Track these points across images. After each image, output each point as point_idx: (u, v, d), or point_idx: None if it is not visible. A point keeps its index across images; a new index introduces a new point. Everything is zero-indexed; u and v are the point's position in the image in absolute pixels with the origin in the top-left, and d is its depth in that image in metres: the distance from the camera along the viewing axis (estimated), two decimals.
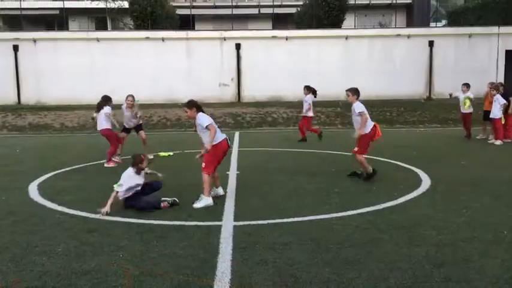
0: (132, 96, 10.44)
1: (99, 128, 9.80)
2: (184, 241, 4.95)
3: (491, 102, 12.65)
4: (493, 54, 24.27)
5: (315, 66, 23.65)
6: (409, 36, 24.45)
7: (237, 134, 15.16)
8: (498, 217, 5.65)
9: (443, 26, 31.82)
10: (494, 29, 24.35)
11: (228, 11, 32.35)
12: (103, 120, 9.71)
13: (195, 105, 6.49)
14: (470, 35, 24.35)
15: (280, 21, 32.23)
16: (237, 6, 33.05)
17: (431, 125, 16.95)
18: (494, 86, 12.50)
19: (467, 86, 13.13)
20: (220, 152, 6.51)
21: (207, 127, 6.29)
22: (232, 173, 8.62)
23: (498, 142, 11.87)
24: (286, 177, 8.25)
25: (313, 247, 4.73)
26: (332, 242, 4.87)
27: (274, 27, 30.72)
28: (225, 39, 23.98)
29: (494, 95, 12.13)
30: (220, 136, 6.47)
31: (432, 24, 33.01)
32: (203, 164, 6.44)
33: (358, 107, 7.65)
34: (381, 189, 7.21)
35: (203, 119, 6.37)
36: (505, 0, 26.05)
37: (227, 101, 23.26)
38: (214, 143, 6.34)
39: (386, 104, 21.19)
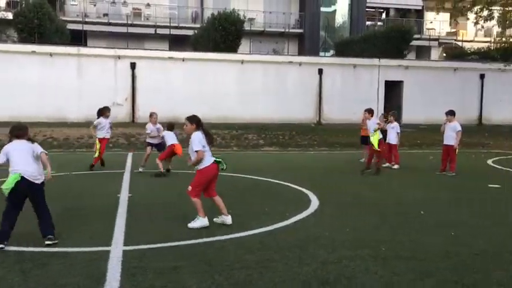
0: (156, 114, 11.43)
1: None
2: (68, 269, 4.63)
3: (367, 129, 13.66)
4: (374, 84, 26.45)
5: (211, 89, 23.92)
6: (300, 64, 25.78)
7: (129, 155, 14.66)
8: (380, 236, 6.05)
9: (331, 55, 34.05)
10: (375, 61, 26.61)
11: (123, 29, 31.63)
12: None
13: (196, 122, 6.28)
14: (354, 66, 26.34)
15: (177, 42, 32.21)
16: (132, 25, 32.46)
17: (321, 148, 17.85)
18: (392, 114, 13.31)
19: (369, 111, 12.07)
20: (209, 177, 6.23)
21: (196, 151, 6.12)
22: (124, 196, 8.31)
23: (396, 166, 12.61)
24: (180, 199, 8.12)
25: (205, 270, 4.69)
26: (224, 264, 4.87)
27: (170, 48, 30.60)
28: (119, 58, 23.36)
29: (391, 122, 12.87)
30: (209, 161, 6.20)
31: (321, 53, 35.18)
32: (189, 188, 6.22)
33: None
34: (274, 210, 7.40)
35: (194, 142, 6.13)
36: (384, 36, 28.68)
37: (121, 121, 22.51)
38: (202, 166, 6.15)
39: (280, 127, 21.98)
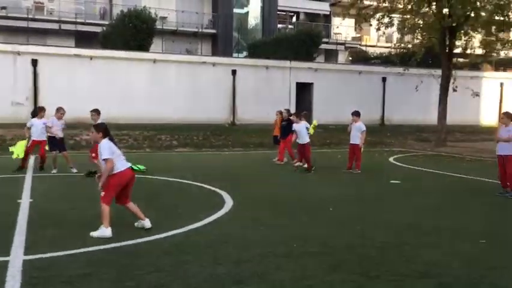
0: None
1: None
2: None
3: (280, 128, 13.99)
4: (286, 85, 27.13)
5: (122, 88, 23.13)
6: (214, 64, 25.76)
7: (32, 157, 13.74)
8: (291, 233, 6.20)
9: (245, 57, 34.43)
10: (287, 63, 27.31)
11: (23, 24, 29.58)
12: None
13: (103, 130, 6.03)
14: (267, 67, 26.83)
15: (84, 39, 30.74)
16: (34, 20, 30.45)
17: (235, 149, 17.96)
18: (303, 114, 13.50)
19: (297, 115, 12.79)
20: (122, 182, 5.98)
21: (104, 159, 5.85)
22: (25, 201, 7.75)
23: (306, 165, 12.89)
24: (87, 203, 7.74)
25: (116, 276, 4.50)
26: (136, 268, 4.71)
27: (77, 45, 29.15)
28: (19, 54, 21.81)
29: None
30: (123, 165, 5.99)
31: (235, 54, 35.44)
32: (102, 194, 5.88)
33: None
34: (187, 211, 7.31)
35: (104, 150, 5.86)
36: (295, 39, 29.53)
37: (22, 121, 20.97)
38: (116, 171, 5.88)
39: (193, 128, 21.79)
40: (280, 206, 7.86)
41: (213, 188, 9.30)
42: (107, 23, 30.19)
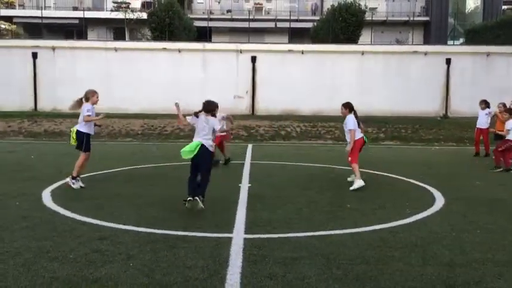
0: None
1: None
2: (194, 252, 4.94)
3: (503, 123, 12.36)
4: (511, 73, 24.05)
5: (330, 81, 23.70)
6: (426, 54, 24.39)
7: (249, 146, 15.14)
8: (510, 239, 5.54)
9: (461, 44, 31.68)
10: None
11: (244, 24, 32.68)
12: None
13: (349, 107, 8.61)
14: (488, 54, 24.21)
15: (296, 35, 32.42)
16: (253, 20, 33.35)
17: (447, 144, 16.76)
18: None
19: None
20: (360, 145, 8.54)
21: (349, 130, 8.39)
22: (244, 186, 8.61)
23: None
24: (298, 191, 8.22)
25: (324, 263, 4.68)
26: (343, 258, 4.82)
27: (290, 41, 30.90)
28: (241, 52, 24.17)
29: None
30: (359, 135, 8.50)
31: (449, 42, 32.90)
32: (349, 158, 8.39)
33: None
34: (394, 206, 7.13)
35: (349, 122, 8.43)
36: None
37: (241, 113, 23.34)
38: (356, 139, 8.35)
39: (402, 121, 21.06)
40: (501, 209, 7.05)
41: (421, 184, 8.88)
42: (317, 18, 31.24)
